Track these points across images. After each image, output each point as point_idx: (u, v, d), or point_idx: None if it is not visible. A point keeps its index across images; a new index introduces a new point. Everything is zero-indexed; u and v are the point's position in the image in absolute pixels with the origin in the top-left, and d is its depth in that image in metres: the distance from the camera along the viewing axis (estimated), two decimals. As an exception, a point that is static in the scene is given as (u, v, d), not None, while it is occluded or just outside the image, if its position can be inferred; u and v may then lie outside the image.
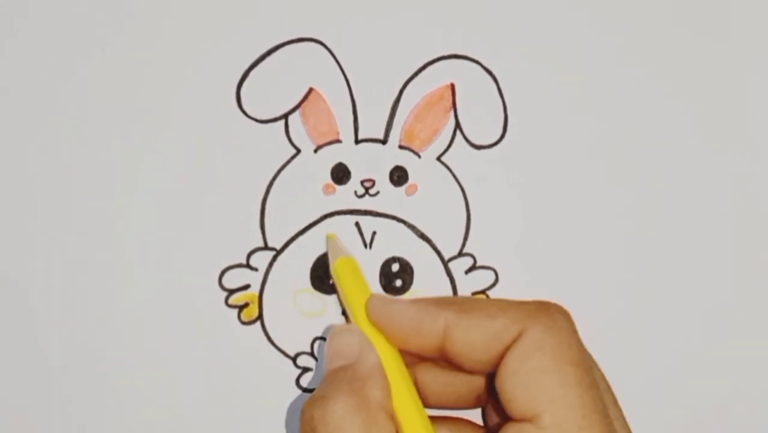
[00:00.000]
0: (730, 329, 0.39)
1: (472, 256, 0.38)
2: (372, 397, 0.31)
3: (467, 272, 0.38)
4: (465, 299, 0.33)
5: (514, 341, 0.31)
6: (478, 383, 0.34)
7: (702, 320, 0.39)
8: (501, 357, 0.31)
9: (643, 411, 0.38)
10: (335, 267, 0.36)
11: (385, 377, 0.32)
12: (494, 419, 0.34)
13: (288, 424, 0.38)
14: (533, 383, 0.30)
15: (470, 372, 0.33)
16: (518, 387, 0.31)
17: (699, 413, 0.39)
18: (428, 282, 0.38)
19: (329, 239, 0.37)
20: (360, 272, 0.36)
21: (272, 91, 0.38)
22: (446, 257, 0.38)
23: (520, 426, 0.31)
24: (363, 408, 0.31)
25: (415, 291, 0.38)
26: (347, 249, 0.37)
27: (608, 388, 0.33)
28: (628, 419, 0.33)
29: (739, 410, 0.39)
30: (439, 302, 0.33)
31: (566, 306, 0.38)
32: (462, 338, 0.32)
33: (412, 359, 0.34)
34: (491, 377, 0.32)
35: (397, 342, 0.33)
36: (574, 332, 0.32)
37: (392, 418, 0.32)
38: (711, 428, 0.39)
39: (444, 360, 0.33)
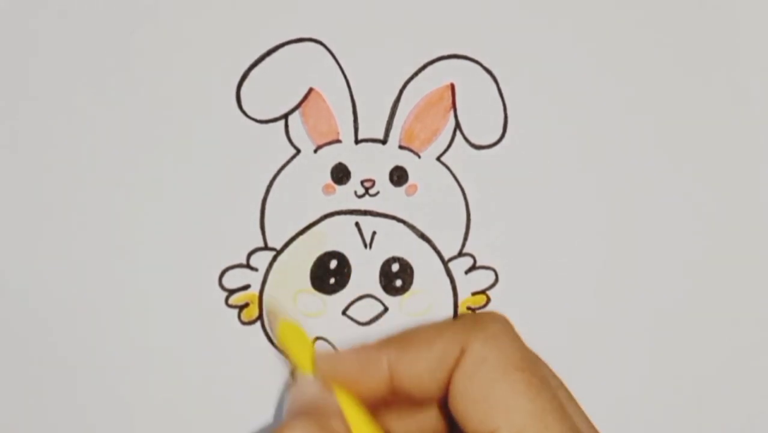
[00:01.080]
0: (736, 332, 0.39)
1: (472, 256, 0.38)
2: (334, 428, 0.31)
3: (467, 272, 0.38)
4: (404, 334, 0.33)
5: (457, 361, 0.31)
6: (442, 412, 0.34)
7: (709, 321, 0.39)
8: (450, 379, 0.31)
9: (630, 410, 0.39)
10: (279, 333, 0.36)
11: (345, 419, 0.32)
12: None
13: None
14: (484, 398, 0.30)
15: (426, 402, 0.33)
16: (470, 405, 0.31)
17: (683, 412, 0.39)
18: (428, 282, 0.38)
19: (266, 304, 0.37)
20: (302, 333, 0.36)
21: (272, 91, 0.38)
22: (446, 257, 0.38)
23: None
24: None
25: (415, 291, 0.38)
26: (282, 311, 0.37)
27: (561, 384, 0.33)
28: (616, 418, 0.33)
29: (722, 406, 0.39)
30: (380, 345, 0.33)
31: (566, 306, 0.38)
32: (407, 372, 0.32)
33: (372, 403, 0.34)
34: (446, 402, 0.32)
35: (350, 391, 0.33)
36: (515, 336, 0.32)
37: None
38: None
39: (398, 396, 0.33)
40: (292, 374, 0.37)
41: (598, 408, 0.35)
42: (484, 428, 0.30)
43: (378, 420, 0.34)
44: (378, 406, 0.34)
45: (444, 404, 0.34)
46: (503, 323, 0.32)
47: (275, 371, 0.38)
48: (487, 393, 0.30)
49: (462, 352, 0.31)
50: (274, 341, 0.37)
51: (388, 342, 0.33)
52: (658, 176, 0.39)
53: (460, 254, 0.38)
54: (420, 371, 0.32)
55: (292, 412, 0.33)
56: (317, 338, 0.38)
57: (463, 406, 0.31)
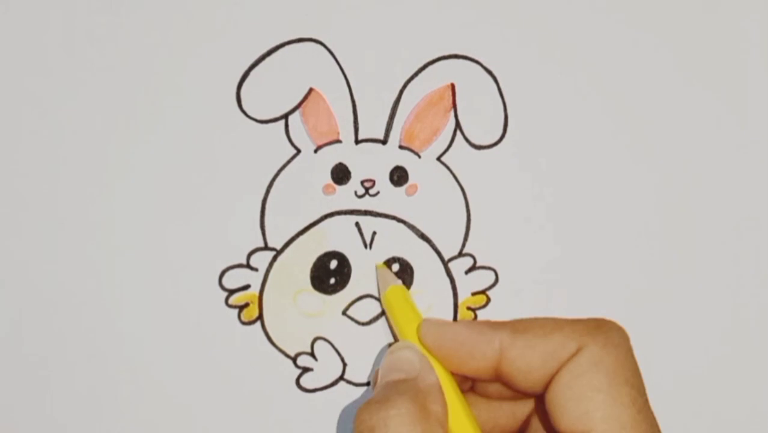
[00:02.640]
0: (736, 332, 0.39)
1: (472, 256, 0.38)
2: (432, 411, 0.31)
3: (467, 272, 0.38)
4: (518, 320, 0.33)
5: (571, 357, 0.31)
6: (520, 412, 0.34)
7: (710, 321, 0.39)
8: (556, 374, 0.31)
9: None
10: (386, 296, 0.36)
11: (443, 396, 0.32)
12: None
13: (288, 424, 0.38)
14: (586, 400, 0.30)
15: (525, 393, 0.33)
16: (571, 403, 0.30)
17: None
18: (428, 282, 0.38)
19: (378, 268, 0.37)
20: (410, 299, 0.36)
21: (272, 91, 0.38)
22: (446, 257, 0.38)
23: None
24: (423, 419, 0.30)
25: (415, 291, 0.38)
26: (396, 278, 0.37)
27: (655, 421, 0.33)
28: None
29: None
30: (493, 324, 0.32)
31: (566, 307, 0.38)
32: (518, 358, 0.32)
33: (464, 383, 0.34)
34: (538, 399, 0.32)
35: (450, 365, 0.33)
36: (630, 350, 0.32)
37: None
38: None
39: (499, 381, 0.33)
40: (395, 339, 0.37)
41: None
42: (578, 427, 0.30)
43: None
44: (466, 388, 0.34)
45: (524, 405, 0.34)
46: (623, 335, 0.32)
47: (275, 371, 0.38)
48: (590, 397, 0.30)
49: (577, 350, 0.31)
50: (382, 306, 0.37)
51: (501, 324, 0.32)
52: (659, 176, 0.39)
53: (460, 254, 0.38)
54: (532, 359, 0.31)
55: (390, 380, 0.32)
56: (317, 338, 0.38)
57: (562, 401, 0.31)
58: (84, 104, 0.37)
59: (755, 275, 0.39)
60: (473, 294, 0.38)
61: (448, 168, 0.38)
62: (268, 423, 0.38)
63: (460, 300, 0.38)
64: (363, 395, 0.38)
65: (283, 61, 0.38)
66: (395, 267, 0.38)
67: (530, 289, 0.38)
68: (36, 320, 0.37)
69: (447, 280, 0.38)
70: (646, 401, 0.31)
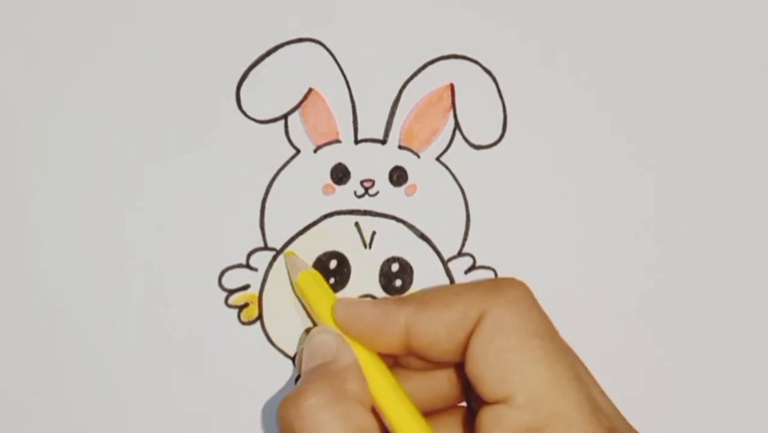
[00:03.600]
0: (736, 333, 0.39)
1: (472, 256, 0.38)
2: (349, 390, 0.31)
3: (467, 272, 0.38)
4: (424, 292, 0.34)
5: (476, 324, 0.31)
6: (455, 377, 0.34)
7: (711, 322, 0.39)
8: (467, 343, 0.31)
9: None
10: (298, 281, 0.36)
11: (361, 372, 0.32)
12: (479, 404, 0.34)
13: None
14: (501, 364, 0.30)
15: (441, 364, 0.33)
16: (487, 370, 0.31)
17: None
18: (428, 282, 0.38)
19: (287, 255, 0.37)
20: (323, 282, 0.36)
21: (272, 91, 0.38)
22: (446, 257, 0.38)
23: (495, 408, 0.31)
24: (340, 400, 0.31)
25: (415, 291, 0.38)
26: (306, 263, 0.37)
27: (577, 358, 0.33)
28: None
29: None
30: (399, 300, 0.33)
31: (566, 306, 0.38)
32: (424, 332, 0.32)
33: (387, 361, 0.34)
34: (460, 367, 0.32)
35: (365, 343, 0.33)
36: (534, 302, 0.32)
37: (372, 412, 0.32)
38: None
39: (413, 356, 0.33)
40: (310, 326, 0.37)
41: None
42: (499, 393, 0.30)
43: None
44: (393, 365, 0.34)
45: (459, 368, 0.34)
46: (523, 290, 0.32)
47: (275, 371, 0.38)
48: (505, 358, 0.30)
49: (481, 316, 0.31)
50: (296, 292, 0.37)
51: (407, 300, 0.33)
52: (658, 176, 0.39)
53: (460, 254, 0.38)
54: (437, 331, 0.32)
55: (308, 368, 0.33)
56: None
57: (479, 370, 0.31)
58: (83, 104, 0.37)
59: (756, 275, 0.39)
60: (473, 294, 0.38)
61: (447, 168, 0.38)
62: (268, 423, 0.38)
63: (460, 300, 0.38)
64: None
65: (283, 61, 0.38)
66: (395, 267, 0.38)
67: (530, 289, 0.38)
68: (34, 321, 0.37)
69: (447, 280, 0.38)
70: (561, 348, 0.31)
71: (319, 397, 0.31)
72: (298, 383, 0.32)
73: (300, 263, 0.37)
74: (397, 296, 0.33)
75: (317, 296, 0.35)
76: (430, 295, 0.33)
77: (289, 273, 0.37)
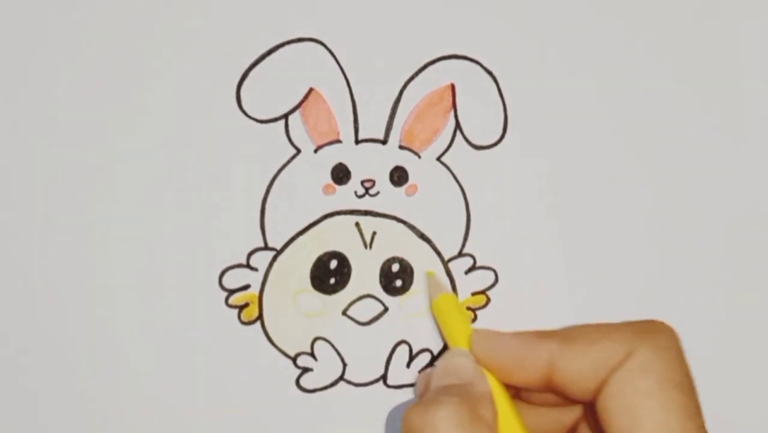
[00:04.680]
0: (737, 333, 0.39)
1: (472, 256, 0.38)
2: (483, 416, 0.31)
3: (467, 272, 0.38)
4: (567, 329, 0.33)
5: (620, 363, 0.31)
6: (567, 418, 0.34)
7: (710, 322, 0.39)
8: (606, 380, 0.31)
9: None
10: (436, 303, 0.36)
11: (494, 403, 0.32)
12: None
13: (288, 424, 0.38)
14: (636, 406, 0.30)
15: (575, 401, 0.33)
16: (621, 409, 0.30)
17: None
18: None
19: (429, 276, 0.37)
20: (461, 307, 0.36)
21: (272, 91, 0.38)
22: (446, 257, 0.38)
23: None
24: (473, 422, 0.30)
25: (415, 291, 0.38)
26: (446, 285, 0.37)
27: (704, 420, 0.33)
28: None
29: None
30: (542, 334, 0.33)
31: (566, 307, 0.38)
32: (569, 367, 0.32)
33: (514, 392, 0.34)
34: (587, 405, 0.32)
35: (501, 376, 0.33)
36: (680, 352, 0.31)
37: None
38: None
39: (550, 391, 0.33)
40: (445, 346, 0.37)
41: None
42: None
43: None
44: (516, 396, 0.34)
45: (583, 408, 0.34)
46: (672, 336, 0.32)
47: (275, 371, 0.38)
48: (641, 401, 0.30)
49: (627, 355, 0.31)
50: (432, 312, 0.37)
51: (551, 334, 0.33)
52: (659, 176, 0.39)
53: (460, 254, 0.38)
54: (582, 367, 0.31)
55: (441, 385, 0.33)
56: (317, 338, 0.38)
57: (613, 407, 0.31)
58: (83, 104, 0.37)
59: (757, 275, 0.39)
60: (473, 294, 0.38)
61: (448, 168, 0.38)
62: (268, 423, 0.38)
63: (460, 300, 0.38)
64: (364, 396, 0.38)
65: (283, 61, 0.38)
66: (395, 267, 0.38)
67: (530, 289, 0.38)
68: (35, 321, 0.37)
69: (447, 280, 0.38)
70: (698, 406, 0.31)
71: (454, 414, 0.30)
72: (430, 394, 0.32)
73: (440, 285, 0.37)
74: (536, 330, 0.33)
75: (455, 321, 0.35)
76: (575, 331, 0.33)
77: (429, 293, 0.37)
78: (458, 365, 0.33)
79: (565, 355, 0.32)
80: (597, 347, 0.31)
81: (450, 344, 0.35)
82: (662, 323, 0.32)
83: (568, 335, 0.32)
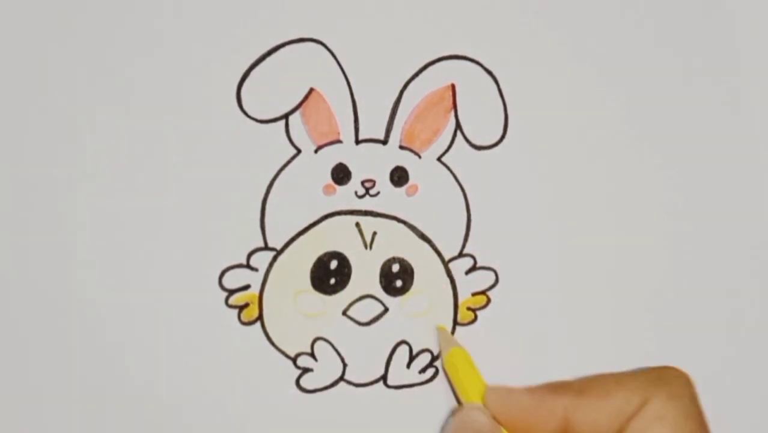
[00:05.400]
0: (737, 333, 0.39)
1: (473, 256, 0.38)
2: None
3: (467, 272, 0.38)
4: (579, 381, 0.34)
5: (635, 412, 0.31)
6: None
7: (710, 322, 0.39)
8: (622, 430, 0.31)
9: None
10: (448, 358, 0.36)
11: None
12: None
13: (288, 424, 0.38)
14: None
15: None
16: None
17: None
18: (428, 283, 0.38)
19: (440, 330, 0.38)
20: (472, 363, 0.36)
21: (272, 91, 0.38)
22: (446, 257, 0.38)
23: None
24: None
25: (416, 292, 0.38)
26: (456, 340, 0.37)
27: None
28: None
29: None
30: (555, 388, 0.33)
31: (566, 307, 0.38)
32: (584, 421, 0.32)
33: None
34: None
35: (518, 429, 0.33)
36: (694, 398, 0.32)
37: None
38: None
39: None
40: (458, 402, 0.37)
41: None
42: None
43: None
44: None
45: None
46: (686, 382, 0.32)
47: (275, 371, 0.38)
48: None
49: (642, 404, 0.31)
50: (443, 367, 0.37)
51: (564, 387, 0.33)
52: (658, 176, 0.39)
53: (461, 255, 0.38)
54: (597, 420, 0.32)
55: None
56: (317, 339, 0.38)
57: None
58: (83, 104, 0.37)
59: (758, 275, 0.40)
60: (473, 294, 0.38)
61: (448, 168, 0.38)
62: (268, 423, 0.38)
63: (461, 300, 0.38)
64: (364, 396, 0.38)
65: (283, 61, 0.38)
66: (396, 267, 0.38)
67: (531, 289, 0.38)
68: (34, 321, 0.37)
69: (447, 280, 0.38)
70: None
71: None
72: None
73: (451, 340, 0.37)
74: (549, 383, 0.34)
75: (468, 376, 0.36)
76: (587, 383, 0.33)
77: (440, 346, 0.37)
78: (474, 420, 0.33)
79: (579, 408, 0.32)
80: (612, 398, 0.32)
81: (464, 399, 0.36)
82: (676, 370, 0.33)
83: (581, 388, 0.33)
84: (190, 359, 0.37)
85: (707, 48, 0.39)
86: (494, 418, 0.34)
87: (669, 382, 0.32)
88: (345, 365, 0.38)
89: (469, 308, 0.38)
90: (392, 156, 0.38)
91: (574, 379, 0.33)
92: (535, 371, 0.37)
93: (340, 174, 0.38)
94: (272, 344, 0.38)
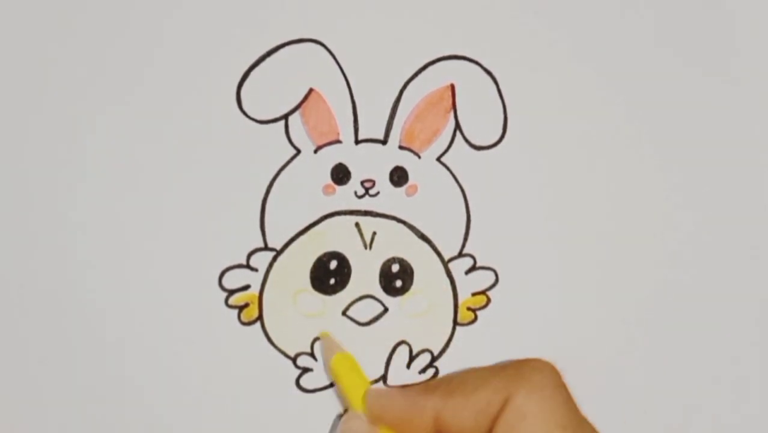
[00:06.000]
0: (737, 332, 0.39)
1: (472, 256, 0.38)
2: None
3: (467, 272, 0.38)
4: (452, 378, 0.34)
5: (499, 412, 0.31)
6: None
7: (710, 322, 0.39)
8: (491, 430, 0.31)
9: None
10: (332, 364, 0.36)
11: None
12: None
13: (288, 424, 0.38)
14: None
15: None
16: None
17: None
18: (428, 283, 0.38)
19: (323, 337, 0.37)
20: (358, 366, 0.36)
21: (272, 91, 0.38)
22: (446, 257, 0.38)
23: None
24: None
25: (415, 292, 0.38)
26: (341, 345, 0.37)
27: None
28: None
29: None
30: (427, 388, 0.33)
31: (566, 307, 0.38)
32: (451, 421, 0.32)
33: None
34: None
35: (395, 431, 0.33)
36: (559, 388, 0.31)
37: None
38: None
39: None
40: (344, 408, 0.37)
41: (597, 408, 0.35)
42: None
43: None
44: None
45: None
46: (549, 374, 0.32)
47: (275, 371, 0.38)
48: None
49: (505, 403, 0.31)
50: (327, 373, 0.37)
51: (434, 386, 0.33)
52: (658, 176, 0.39)
53: (460, 255, 0.38)
54: (463, 419, 0.32)
55: None
56: (317, 339, 0.38)
57: None
58: (83, 104, 0.37)
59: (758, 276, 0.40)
60: (473, 294, 0.38)
61: (448, 168, 0.38)
62: (268, 423, 0.38)
63: (460, 301, 0.38)
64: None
65: (283, 61, 0.38)
66: (395, 267, 0.38)
67: (530, 289, 0.38)
68: (34, 320, 0.37)
69: (447, 280, 0.38)
70: None
71: None
72: None
73: (335, 346, 0.37)
74: (425, 382, 0.34)
75: (351, 382, 0.36)
76: (455, 381, 0.33)
77: (323, 355, 0.37)
78: (353, 429, 0.34)
79: (446, 409, 0.32)
80: (475, 398, 0.32)
81: (348, 405, 0.36)
82: (540, 361, 0.32)
83: (449, 387, 0.33)
84: (190, 359, 0.37)
85: (707, 48, 0.39)
86: (374, 421, 0.34)
87: (529, 376, 0.31)
88: (345, 365, 0.38)
89: (469, 308, 0.38)
90: (392, 156, 0.38)
91: (449, 375, 0.33)
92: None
93: (340, 174, 0.38)
94: (272, 344, 0.38)
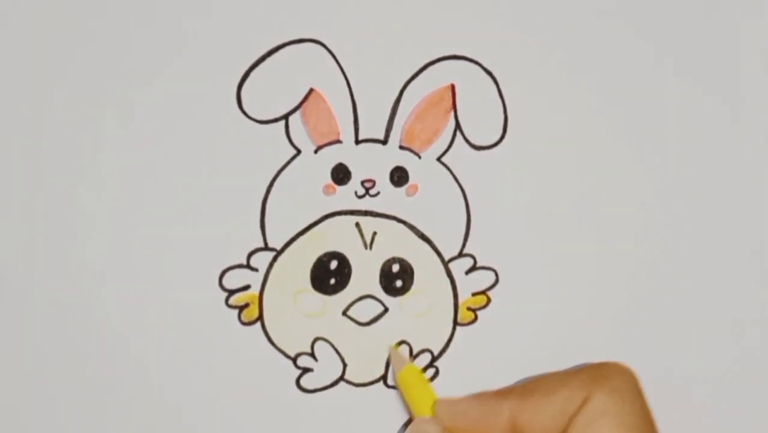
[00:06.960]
0: (737, 332, 0.39)
1: (473, 256, 0.38)
2: None
3: (467, 272, 0.38)
4: (526, 383, 0.34)
5: (579, 409, 0.32)
6: None
7: (709, 321, 0.39)
8: (567, 427, 0.32)
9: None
10: (402, 375, 0.37)
11: None
12: None
13: (288, 424, 0.38)
14: None
15: None
16: None
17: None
18: (428, 283, 0.38)
19: (391, 349, 0.38)
20: (424, 378, 0.37)
21: (272, 91, 0.38)
22: (446, 257, 0.38)
23: None
24: None
25: (416, 292, 0.38)
26: (408, 358, 0.38)
27: None
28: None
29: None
30: (500, 393, 0.34)
31: (566, 307, 0.38)
32: (530, 422, 0.32)
33: None
34: None
35: None
36: (637, 393, 0.32)
37: None
38: None
39: None
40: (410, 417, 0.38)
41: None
42: None
43: None
44: None
45: None
46: (629, 378, 0.33)
47: (275, 371, 0.38)
48: None
49: (585, 401, 0.32)
50: (394, 382, 0.38)
51: (509, 391, 0.34)
52: (657, 176, 0.39)
53: (461, 255, 0.38)
54: (543, 419, 0.32)
55: None
56: (317, 339, 0.38)
57: None
58: (84, 104, 0.37)
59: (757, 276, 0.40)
60: (473, 294, 0.38)
61: (448, 168, 0.38)
62: (268, 423, 0.38)
63: (461, 300, 0.38)
64: (364, 396, 0.38)
65: (283, 61, 0.38)
66: (396, 267, 0.38)
67: (531, 289, 0.38)
68: (35, 321, 0.37)
69: (447, 280, 0.38)
70: None
71: None
72: None
73: (403, 358, 0.37)
74: (495, 390, 0.34)
75: (419, 392, 0.36)
76: (532, 384, 0.34)
77: (392, 366, 0.38)
78: (426, 431, 0.34)
79: (524, 410, 0.33)
80: (554, 397, 0.32)
81: (414, 414, 0.36)
82: (619, 365, 0.33)
83: (525, 390, 0.33)
84: (190, 359, 0.37)
85: (708, 51, 0.39)
86: (446, 429, 0.34)
87: (610, 377, 0.32)
88: (345, 365, 0.38)
89: (469, 308, 0.38)
90: (392, 156, 0.38)
91: (521, 381, 0.34)
92: (534, 370, 0.37)
93: (340, 174, 0.38)
94: (272, 344, 0.38)
